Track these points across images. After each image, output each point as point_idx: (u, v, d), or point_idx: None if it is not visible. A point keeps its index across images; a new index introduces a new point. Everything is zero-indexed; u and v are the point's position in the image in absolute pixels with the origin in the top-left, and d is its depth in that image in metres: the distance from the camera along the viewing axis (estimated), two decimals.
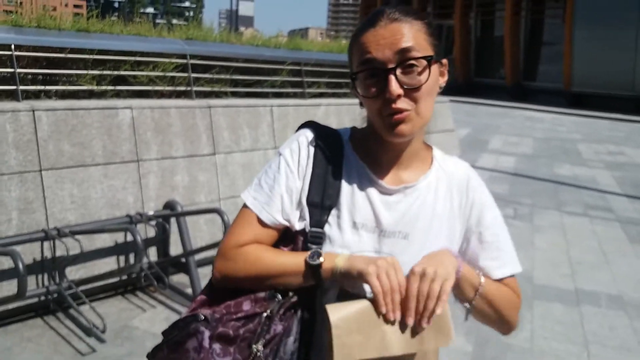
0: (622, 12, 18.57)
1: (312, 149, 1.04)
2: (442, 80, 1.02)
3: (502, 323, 1.08)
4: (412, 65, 0.94)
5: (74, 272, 3.18)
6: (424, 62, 0.94)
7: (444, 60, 1.02)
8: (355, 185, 1.04)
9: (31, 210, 3.06)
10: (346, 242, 1.00)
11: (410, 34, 0.95)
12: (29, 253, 3.02)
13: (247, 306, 0.94)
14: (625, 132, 13.65)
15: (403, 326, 0.89)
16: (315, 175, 1.02)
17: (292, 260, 0.97)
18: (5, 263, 2.91)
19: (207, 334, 0.90)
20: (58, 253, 3.09)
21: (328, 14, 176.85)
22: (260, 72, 4.84)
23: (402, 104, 0.94)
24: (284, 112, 4.64)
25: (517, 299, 1.10)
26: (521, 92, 21.77)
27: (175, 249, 3.60)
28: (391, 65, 0.93)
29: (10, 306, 2.93)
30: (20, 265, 2.43)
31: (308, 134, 1.06)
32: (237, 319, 0.92)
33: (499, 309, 1.05)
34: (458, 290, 1.00)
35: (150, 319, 3.13)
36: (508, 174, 7.78)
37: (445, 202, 1.06)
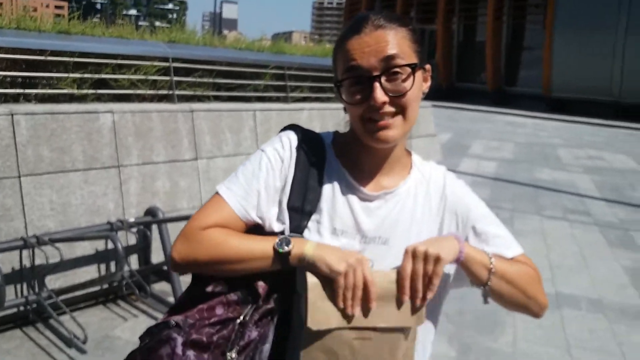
0: (602, 18, 18.95)
1: (294, 152, 1.04)
2: (426, 86, 1.04)
3: (529, 300, 1.04)
4: (397, 72, 0.95)
5: (53, 281, 3.12)
6: (408, 70, 0.96)
7: (427, 66, 1.03)
8: (336, 191, 1.03)
9: (9, 218, 2.99)
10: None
11: (394, 42, 0.95)
12: (8, 262, 2.95)
13: (219, 310, 0.92)
14: (605, 137, 13.93)
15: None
16: (296, 178, 1.02)
17: (259, 246, 0.94)
18: None
19: (179, 340, 0.89)
20: (37, 261, 3.03)
21: (312, 18, 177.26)
22: (243, 75, 4.83)
23: (387, 110, 0.95)
24: (266, 117, 4.63)
25: (535, 273, 1.07)
26: (503, 97, 22.06)
27: (156, 256, 3.56)
28: (376, 73, 0.94)
29: None
30: None
31: (291, 136, 1.06)
32: (210, 324, 0.91)
33: (519, 285, 1.02)
34: (469, 273, 0.99)
35: (132, 328, 3.08)
36: (489, 178, 7.86)
37: (424, 207, 1.06)
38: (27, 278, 3.03)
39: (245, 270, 0.94)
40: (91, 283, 3.05)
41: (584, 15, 19.36)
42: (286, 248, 0.92)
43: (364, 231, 1.02)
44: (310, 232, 1.01)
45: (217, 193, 1.02)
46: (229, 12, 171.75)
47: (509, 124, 15.94)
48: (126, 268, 3.09)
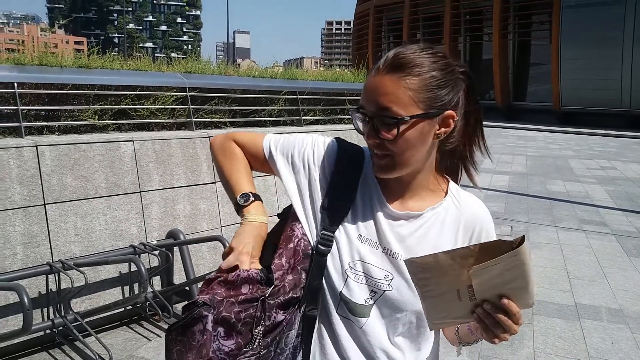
0: (607, 31, 19.04)
1: (338, 155, 1.14)
2: (443, 130, 1.06)
3: None
4: (389, 120, 1.00)
5: (79, 304, 3.20)
6: (403, 120, 1.00)
7: (447, 112, 1.03)
8: (366, 200, 1.11)
9: (35, 244, 3.10)
10: (353, 249, 1.08)
11: (392, 92, 1.00)
12: (34, 287, 3.05)
13: (245, 289, 0.99)
14: (616, 147, 13.84)
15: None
16: (334, 181, 1.11)
17: (236, 187, 1.14)
18: (11, 297, 2.94)
19: (210, 317, 0.95)
20: (63, 286, 3.12)
21: (321, 44, 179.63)
22: (257, 102, 4.95)
23: (381, 149, 1.02)
24: None
25: None
26: (512, 112, 22.09)
27: (178, 277, 3.63)
28: (370, 115, 1.02)
29: (16, 340, 2.93)
30: (26, 300, 2.45)
31: (338, 142, 1.18)
32: (238, 302, 0.97)
33: None
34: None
35: (156, 348, 3.14)
36: (503, 192, 7.86)
37: (450, 235, 1.09)
38: (53, 302, 3.11)
39: (226, 192, 1.17)
40: (115, 305, 3.12)
41: (590, 29, 19.47)
42: (240, 203, 1.10)
43: (386, 244, 1.08)
44: (340, 233, 1.09)
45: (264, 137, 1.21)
46: (241, 41, 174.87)
47: (520, 137, 15.92)
48: (149, 290, 3.16)
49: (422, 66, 1.01)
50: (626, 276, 4.46)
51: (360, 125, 1.07)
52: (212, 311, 0.95)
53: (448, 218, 1.10)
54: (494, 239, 1.07)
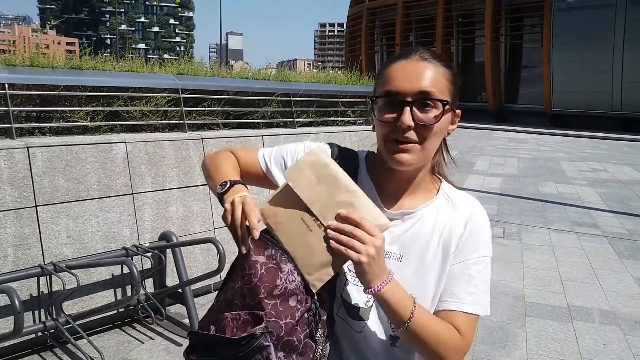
0: (598, 34, 19.23)
1: (332, 158, 1.14)
2: (452, 128, 1.10)
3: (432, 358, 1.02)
4: (428, 104, 1.00)
5: (70, 307, 3.18)
6: (440, 105, 1.01)
7: (458, 111, 1.09)
8: None
9: (27, 246, 3.07)
10: None
11: (434, 77, 1.01)
12: (26, 289, 3.02)
13: (293, 302, 0.93)
14: (606, 150, 13.96)
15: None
16: None
17: (215, 179, 1.12)
18: (1, 300, 2.91)
19: (271, 346, 0.89)
20: (54, 288, 3.10)
21: (315, 46, 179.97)
22: (250, 103, 4.95)
23: (410, 136, 1.00)
24: (274, 141, 4.73)
25: (457, 340, 1.03)
26: (504, 114, 22.23)
27: (171, 279, 3.61)
28: (409, 99, 0.99)
29: (7, 343, 2.90)
30: (17, 302, 2.43)
31: (331, 146, 1.19)
32: (297, 322, 0.92)
33: (429, 345, 1.00)
34: (384, 312, 1.00)
35: (149, 351, 3.12)
36: (495, 194, 7.91)
37: (444, 232, 1.09)
38: (45, 304, 3.08)
39: (211, 190, 1.15)
40: (107, 307, 3.09)
41: (581, 32, 19.66)
42: (219, 191, 1.07)
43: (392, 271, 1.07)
44: None
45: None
46: (234, 43, 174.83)
47: (511, 140, 16.02)
48: (142, 292, 3.15)
49: (445, 62, 1.05)
50: (618, 278, 4.49)
51: (383, 113, 1.03)
52: (272, 338, 0.89)
53: (441, 213, 1.11)
54: (485, 233, 1.12)
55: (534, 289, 4.17)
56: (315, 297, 0.96)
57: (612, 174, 10.05)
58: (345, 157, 1.16)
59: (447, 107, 1.02)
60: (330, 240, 0.93)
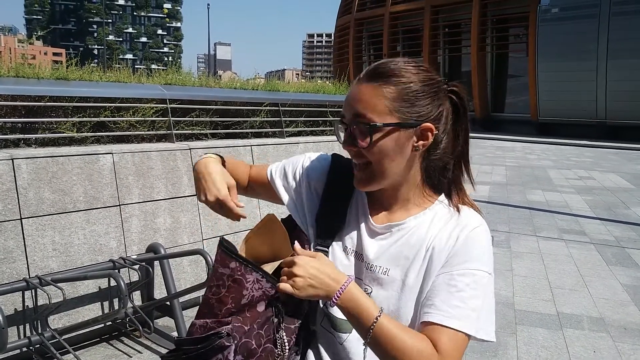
0: (582, 44, 19.56)
1: (330, 169, 1.18)
2: (421, 143, 1.03)
3: None
4: (365, 127, 1.01)
5: (56, 321, 3.12)
6: (374, 127, 1.00)
7: (426, 125, 1.02)
8: (353, 213, 1.13)
9: (11, 260, 3.01)
10: (337, 261, 1.09)
11: (368, 99, 1.00)
12: (10, 303, 2.96)
13: (261, 307, 0.99)
14: (592, 157, 14.14)
15: None
16: (325, 197, 1.14)
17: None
18: None
19: (232, 347, 0.95)
20: (40, 302, 3.04)
21: (303, 56, 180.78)
22: (239, 113, 4.93)
23: (357, 158, 1.05)
24: (263, 151, 4.71)
25: (429, 357, 0.93)
26: (491, 123, 22.46)
27: (159, 292, 3.57)
28: (347, 122, 1.04)
29: None
30: (0, 317, 2.39)
31: (332, 157, 1.22)
32: (258, 326, 0.97)
33: (389, 357, 0.94)
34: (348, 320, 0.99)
35: None
36: (483, 202, 7.95)
37: (434, 243, 1.04)
38: (30, 319, 3.02)
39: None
40: (94, 321, 3.04)
41: (565, 42, 19.98)
42: (202, 157, 1.20)
43: (366, 257, 1.07)
44: (333, 247, 1.11)
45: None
46: (222, 53, 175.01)
47: (499, 148, 16.16)
48: (129, 305, 3.09)
49: (401, 77, 1.01)
50: (606, 284, 4.52)
51: (342, 135, 1.08)
52: (234, 341, 0.95)
53: (434, 225, 1.06)
54: (482, 246, 1.04)
55: (523, 296, 4.18)
56: (280, 300, 1.00)
57: (599, 181, 10.16)
58: (341, 167, 1.18)
59: (388, 128, 1.00)
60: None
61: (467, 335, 0.96)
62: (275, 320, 0.97)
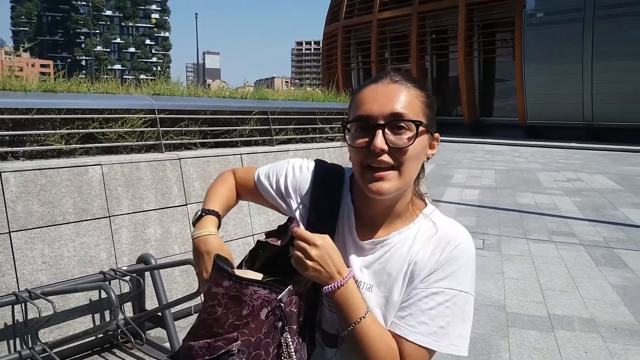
0: (567, 48, 19.78)
1: (316, 180, 1.14)
2: (431, 152, 1.05)
3: None
4: (401, 127, 0.97)
5: (47, 334, 3.09)
6: (413, 126, 0.97)
7: (436, 135, 1.05)
8: (340, 225, 1.11)
9: (0, 274, 2.98)
10: None
11: (406, 98, 0.98)
12: None
13: (264, 314, 0.96)
14: (580, 159, 14.26)
15: None
16: (313, 209, 1.11)
17: (204, 204, 1.20)
18: None
19: None
20: (30, 316, 3.01)
21: (292, 64, 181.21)
22: (228, 122, 4.94)
23: (385, 160, 0.96)
24: (253, 159, 4.72)
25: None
26: (479, 127, 22.61)
27: (150, 303, 3.54)
28: (381, 122, 0.96)
29: None
30: None
31: (317, 165, 1.18)
32: (265, 335, 0.95)
33: (362, 354, 0.98)
34: (335, 311, 1.01)
35: None
36: (473, 206, 7.99)
37: (416, 258, 1.03)
38: (20, 333, 2.99)
39: None
40: (86, 333, 3.01)
41: (551, 46, 20.21)
42: (192, 220, 1.16)
43: (352, 271, 1.05)
44: None
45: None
46: (211, 62, 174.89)
47: (488, 152, 16.26)
48: (121, 316, 3.07)
49: (419, 84, 1.03)
50: (596, 285, 4.56)
51: (356, 139, 1.00)
52: (244, 356, 0.93)
53: (418, 240, 1.05)
54: (461, 264, 1.02)
55: (514, 299, 4.21)
56: (282, 301, 0.98)
57: (587, 182, 10.26)
58: (327, 176, 1.15)
59: (421, 128, 0.98)
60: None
61: (430, 350, 0.98)
62: (279, 324, 0.96)
